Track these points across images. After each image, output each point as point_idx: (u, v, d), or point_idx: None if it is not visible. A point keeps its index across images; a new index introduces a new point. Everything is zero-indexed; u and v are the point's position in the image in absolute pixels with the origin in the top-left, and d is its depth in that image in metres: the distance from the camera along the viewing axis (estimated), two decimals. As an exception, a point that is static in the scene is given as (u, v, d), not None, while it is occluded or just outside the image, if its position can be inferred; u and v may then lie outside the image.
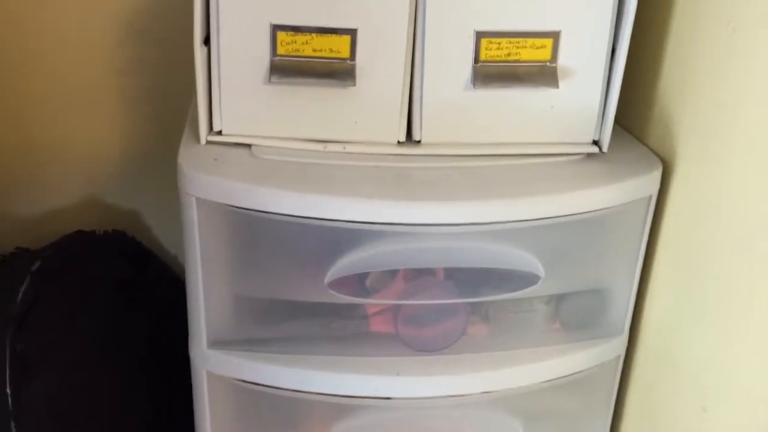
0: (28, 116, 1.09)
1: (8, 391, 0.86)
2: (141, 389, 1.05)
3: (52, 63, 1.06)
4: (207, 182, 0.72)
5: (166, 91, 1.09)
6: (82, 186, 1.15)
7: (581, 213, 0.74)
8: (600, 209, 0.75)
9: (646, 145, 0.83)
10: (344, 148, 0.78)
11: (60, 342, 0.98)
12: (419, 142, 0.79)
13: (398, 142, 0.79)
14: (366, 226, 0.71)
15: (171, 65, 1.06)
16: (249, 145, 0.78)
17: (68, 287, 1.04)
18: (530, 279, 0.77)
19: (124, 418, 1.00)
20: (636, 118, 0.86)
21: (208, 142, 0.78)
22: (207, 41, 0.75)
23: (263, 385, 0.78)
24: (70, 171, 1.13)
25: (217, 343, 0.79)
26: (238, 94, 0.76)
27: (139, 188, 1.16)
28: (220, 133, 0.78)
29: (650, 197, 0.79)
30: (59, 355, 0.96)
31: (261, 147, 0.77)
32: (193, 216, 0.73)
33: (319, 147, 0.78)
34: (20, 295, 0.98)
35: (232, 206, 0.72)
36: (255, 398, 0.78)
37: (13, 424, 0.86)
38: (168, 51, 1.06)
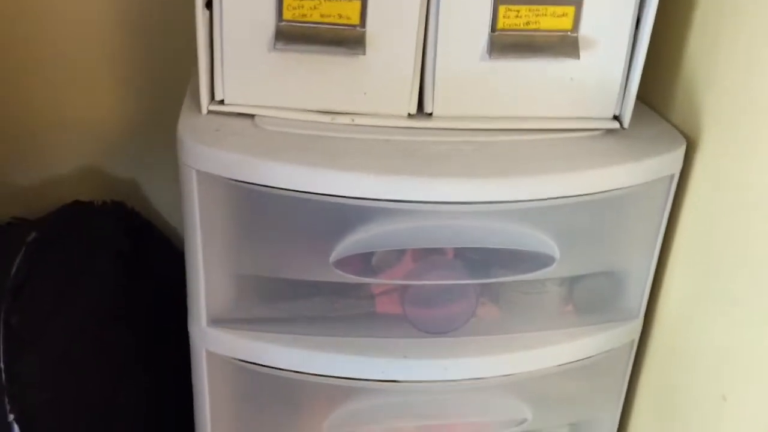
0: (26, 85, 1.06)
1: (1, 365, 0.84)
2: (139, 363, 1.03)
3: (51, 30, 1.03)
4: (208, 154, 0.69)
5: (168, 57, 1.06)
6: (82, 155, 1.12)
7: (599, 192, 0.71)
8: (619, 188, 0.72)
9: (670, 122, 0.79)
10: (352, 120, 0.74)
11: (56, 314, 0.95)
12: (431, 114, 0.75)
13: (409, 114, 0.75)
14: (373, 203, 0.67)
15: (173, 30, 1.02)
16: (252, 116, 0.74)
17: (65, 258, 1.01)
18: (544, 260, 0.74)
19: (122, 392, 0.98)
20: (659, 92, 0.82)
21: (210, 112, 0.74)
22: (209, 4, 0.71)
23: (264, 366, 0.75)
24: (68, 140, 1.10)
25: (217, 321, 0.76)
26: (242, 61, 0.72)
27: (140, 158, 1.13)
28: (222, 102, 0.75)
29: (672, 176, 0.75)
30: (55, 328, 0.94)
31: (265, 118, 0.74)
32: (192, 189, 0.70)
33: (326, 118, 0.74)
34: (15, 267, 0.96)
35: (234, 180, 0.68)
36: (256, 379, 0.76)
37: (6, 399, 0.84)
38: (170, 14, 1.02)
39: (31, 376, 0.88)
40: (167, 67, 1.06)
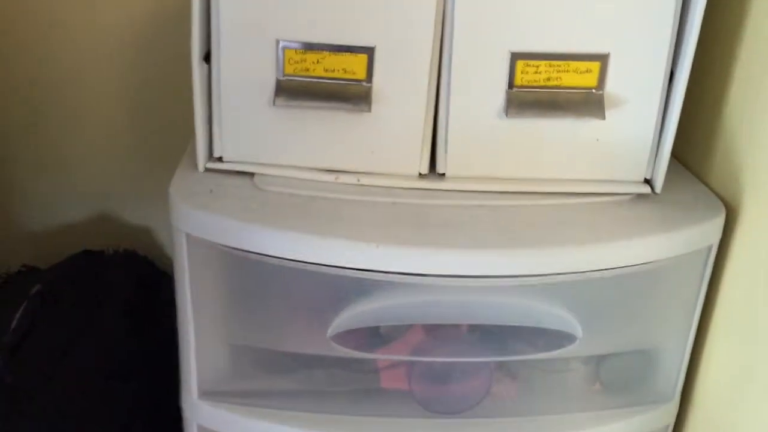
0: (40, 130, 1.05)
1: (-7, 428, 0.80)
2: (142, 421, 0.98)
3: (65, 75, 1.02)
4: (200, 218, 0.64)
5: (181, 104, 1.02)
6: (95, 201, 1.11)
7: (629, 266, 0.64)
8: (651, 262, 0.64)
9: (707, 185, 0.72)
10: (358, 179, 0.69)
11: (55, 373, 0.91)
12: (443, 175, 0.70)
13: (420, 174, 0.70)
14: (378, 276, 0.62)
15: (185, 78, 0.99)
16: (252, 174, 0.69)
17: (69, 312, 0.98)
18: (567, 337, 0.67)
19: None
20: (695, 152, 0.75)
21: (207, 170, 0.70)
22: (208, 58, 0.67)
23: (258, 445, 0.69)
24: (82, 186, 1.09)
25: (209, 394, 0.71)
26: (241, 117, 0.68)
27: (153, 204, 1.10)
28: (220, 159, 0.70)
29: (710, 247, 0.68)
30: (53, 388, 0.90)
31: (265, 177, 0.69)
32: (183, 253, 0.66)
33: (330, 177, 0.69)
34: (14, 322, 0.93)
35: (228, 246, 0.63)
36: (249, 459, 0.70)
37: (-5, 463, 0.80)
38: (182, 64, 1.00)
39: (22, 438, 0.83)
40: (181, 112, 1.03)
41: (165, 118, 1.05)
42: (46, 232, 1.13)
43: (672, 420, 0.76)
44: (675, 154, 0.70)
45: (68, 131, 1.05)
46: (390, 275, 0.62)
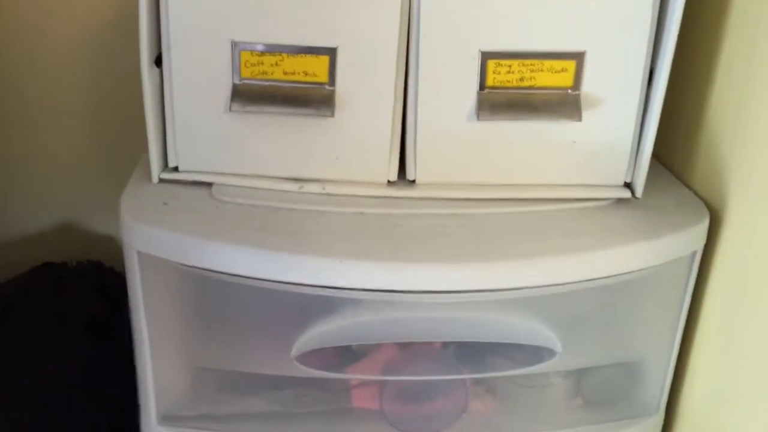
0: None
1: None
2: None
3: (23, 82, 0.98)
4: (152, 234, 0.60)
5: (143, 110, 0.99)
6: (57, 211, 1.07)
7: (609, 276, 0.60)
8: (633, 271, 0.61)
9: (690, 188, 0.69)
10: (323, 188, 0.65)
11: (14, 389, 0.87)
12: (413, 182, 0.66)
13: (388, 181, 0.66)
14: (343, 293, 0.58)
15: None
16: (210, 185, 0.65)
17: (28, 329, 0.93)
18: (546, 351, 0.63)
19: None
20: (677, 154, 0.72)
21: (161, 180, 0.65)
22: (160, 61, 0.63)
23: (222, 473, 0.65)
24: (43, 195, 1.05)
25: (169, 419, 0.67)
26: (197, 124, 0.64)
27: (118, 212, 1.06)
28: (176, 169, 0.66)
29: (694, 254, 0.65)
30: (14, 405, 0.86)
31: (223, 186, 0.65)
32: (135, 271, 0.61)
33: (293, 186, 0.65)
34: (-28, 337, 0.88)
35: (183, 264, 0.59)
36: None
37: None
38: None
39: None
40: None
41: (128, 124, 1.01)
42: (6, 242, 1.09)
43: (657, 433, 0.73)
44: (656, 156, 0.67)
45: (29, 138, 1.01)
46: (357, 292, 0.58)
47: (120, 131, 1.02)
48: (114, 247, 1.10)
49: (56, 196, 1.05)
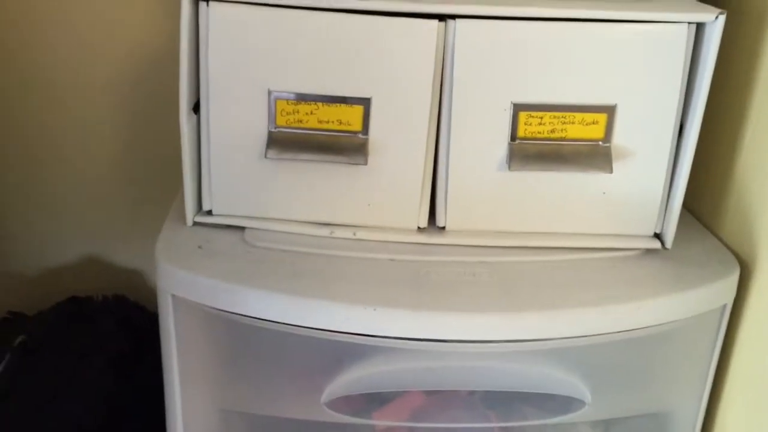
0: (28, 173, 1.03)
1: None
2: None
3: (54, 117, 1.00)
4: (187, 279, 0.61)
5: (172, 146, 1.00)
6: (84, 245, 1.08)
7: (638, 329, 0.60)
8: (662, 324, 0.61)
9: (720, 239, 0.69)
10: (354, 234, 0.66)
11: (40, 426, 0.88)
12: (443, 228, 0.66)
13: (419, 228, 0.67)
14: (374, 341, 0.58)
15: (176, 122, 0.98)
16: (243, 228, 0.66)
17: (54, 363, 0.94)
18: (575, 401, 0.63)
19: None
20: (707, 205, 0.72)
21: (195, 224, 0.66)
22: (197, 108, 0.64)
23: None
24: (71, 229, 1.07)
25: (197, 461, 0.67)
26: (231, 169, 0.65)
27: (144, 247, 1.07)
28: (210, 212, 0.67)
29: (724, 307, 0.65)
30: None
31: (256, 231, 0.66)
32: (169, 314, 0.62)
33: (324, 232, 0.66)
34: (-2, 373, 0.89)
35: (215, 308, 0.60)
36: None
37: None
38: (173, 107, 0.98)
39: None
40: (176, 153, 1.00)
41: (156, 159, 1.03)
42: (34, 276, 1.10)
43: (686, 486, 0.72)
44: (686, 205, 0.67)
45: (57, 173, 1.03)
46: (388, 340, 0.59)
47: (146, 169, 1.03)
48: (138, 281, 1.12)
49: (83, 230, 1.07)
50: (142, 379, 1.00)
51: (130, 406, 0.97)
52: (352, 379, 0.60)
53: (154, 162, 1.03)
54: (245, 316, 0.59)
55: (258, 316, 0.59)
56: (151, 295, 1.11)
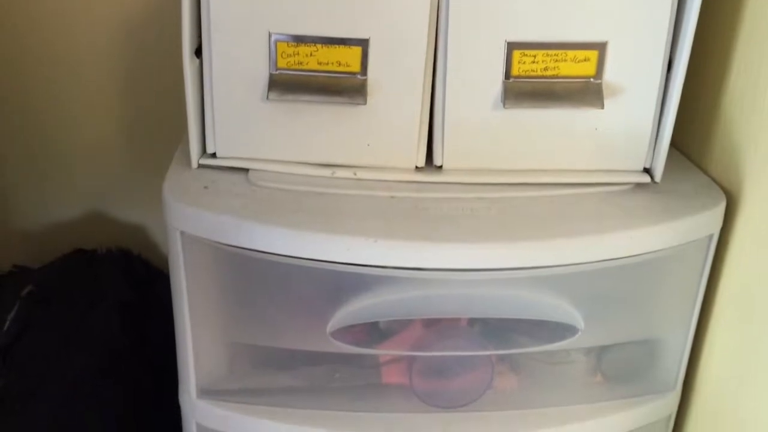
0: (31, 128, 1.04)
1: (-16, 432, 0.79)
2: (136, 423, 0.97)
3: (54, 73, 1.01)
4: (194, 215, 0.63)
5: (172, 101, 1.01)
6: (87, 200, 1.10)
7: (629, 257, 0.63)
8: (652, 251, 0.64)
9: (707, 174, 0.72)
10: (355, 173, 0.68)
11: (48, 375, 0.90)
12: (441, 167, 0.69)
13: (416, 167, 0.69)
14: (376, 270, 0.61)
15: (179, 74, 0.99)
16: (246, 170, 0.68)
17: (61, 314, 0.97)
18: (568, 329, 0.66)
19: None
20: (694, 141, 0.74)
21: (200, 166, 0.69)
22: (199, 52, 0.66)
23: (259, 444, 0.68)
24: (74, 184, 1.08)
25: (208, 393, 0.70)
26: (234, 112, 0.67)
27: (146, 202, 1.09)
28: (214, 155, 0.69)
29: (711, 237, 0.68)
30: (46, 391, 0.89)
31: (259, 172, 0.68)
32: (178, 251, 0.64)
33: (326, 172, 0.68)
34: (6, 324, 0.91)
35: (223, 243, 0.62)
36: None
37: (-10, 468, 0.79)
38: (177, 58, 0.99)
39: (17, 442, 0.82)
40: (176, 109, 1.02)
41: (156, 115, 1.04)
42: (38, 231, 1.12)
43: (674, 410, 0.76)
44: (674, 143, 0.69)
45: (59, 129, 1.04)
46: (389, 270, 0.61)
47: (148, 124, 1.04)
48: (140, 236, 1.13)
49: (87, 186, 1.08)
50: (146, 328, 1.03)
51: (136, 353, 1.00)
52: (355, 309, 0.63)
53: (154, 117, 1.04)
54: (251, 250, 0.62)
55: (264, 250, 0.61)
56: (154, 249, 1.13)
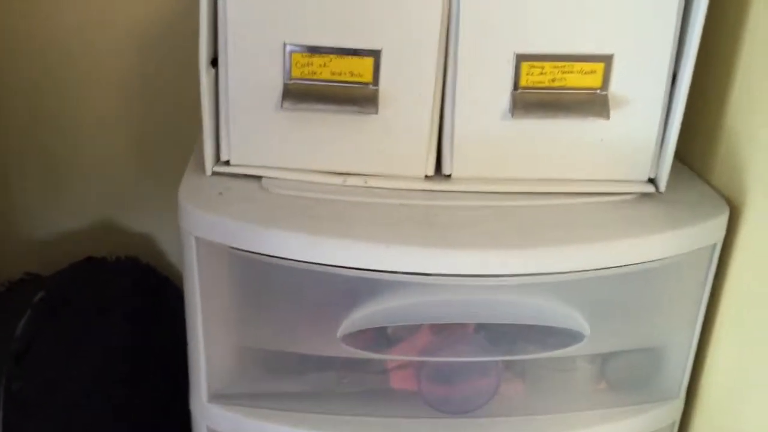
0: (43, 137, 1.05)
1: (0, 434, 0.80)
2: (149, 428, 0.98)
3: (66, 81, 1.02)
4: (208, 221, 0.64)
5: (183, 110, 1.03)
6: (97, 209, 1.11)
7: (634, 264, 0.64)
8: (656, 260, 0.65)
9: (710, 184, 0.73)
10: (365, 181, 0.70)
11: (60, 380, 0.91)
12: (449, 176, 0.70)
13: (426, 176, 0.70)
14: (386, 276, 0.62)
15: (191, 84, 1.00)
16: (260, 178, 0.70)
17: (72, 320, 0.98)
18: (574, 336, 0.67)
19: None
20: (698, 152, 0.76)
21: (214, 173, 0.70)
22: (215, 62, 0.68)
23: (268, 447, 0.69)
24: (84, 193, 1.09)
25: (218, 397, 0.71)
26: (249, 121, 0.68)
27: (155, 211, 1.10)
28: (227, 163, 0.71)
29: (714, 246, 0.69)
30: (59, 395, 0.90)
31: (272, 179, 0.69)
32: (192, 256, 0.66)
33: (337, 180, 0.70)
34: (19, 329, 0.92)
35: (236, 248, 0.64)
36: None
37: (3, 472, 0.80)
38: (189, 69, 1.00)
39: (31, 446, 0.83)
40: (186, 118, 1.03)
41: (165, 126, 1.05)
42: (49, 239, 1.13)
43: (678, 417, 0.76)
44: (678, 154, 0.71)
45: (70, 138, 1.05)
46: (399, 275, 0.62)
47: (157, 135, 1.05)
48: (149, 244, 1.15)
49: (97, 196, 1.09)
50: (155, 336, 1.04)
51: (146, 359, 1.01)
52: (366, 314, 0.64)
53: (163, 128, 1.05)
54: (264, 255, 0.63)
55: (278, 255, 0.63)
56: (161, 258, 1.14)
